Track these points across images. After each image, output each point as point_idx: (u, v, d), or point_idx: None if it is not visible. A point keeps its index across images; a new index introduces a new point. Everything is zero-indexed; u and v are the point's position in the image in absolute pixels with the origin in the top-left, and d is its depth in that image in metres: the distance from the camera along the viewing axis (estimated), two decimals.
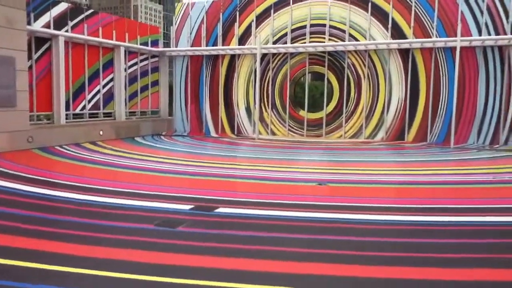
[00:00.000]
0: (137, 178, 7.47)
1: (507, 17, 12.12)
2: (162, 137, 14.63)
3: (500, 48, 12.34)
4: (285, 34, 14.74)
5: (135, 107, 15.32)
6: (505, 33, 12.13)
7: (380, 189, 6.71)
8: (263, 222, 4.81)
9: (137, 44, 15.04)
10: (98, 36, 13.40)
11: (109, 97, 14.05)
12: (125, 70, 14.59)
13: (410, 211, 5.36)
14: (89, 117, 13.38)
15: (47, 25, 11.72)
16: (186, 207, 5.40)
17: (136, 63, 15.22)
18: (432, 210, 5.44)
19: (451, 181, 7.40)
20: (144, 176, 7.59)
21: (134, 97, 15.23)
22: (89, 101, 13.32)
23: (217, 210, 5.26)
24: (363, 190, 6.61)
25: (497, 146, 12.19)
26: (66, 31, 12.29)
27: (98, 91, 13.63)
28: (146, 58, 15.73)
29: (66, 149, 10.75)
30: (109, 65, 14.03)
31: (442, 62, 12.99)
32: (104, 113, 13.90)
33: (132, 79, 15.05)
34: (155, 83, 16.28)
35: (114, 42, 13.91)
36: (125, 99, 14.60)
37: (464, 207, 5.58)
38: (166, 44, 17.63)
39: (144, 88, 15.73)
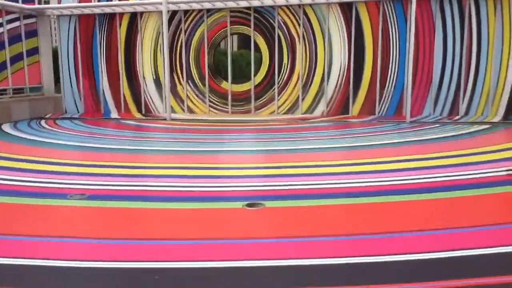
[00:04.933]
0: None
1: None
2: (43, 122, 11.10)
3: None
4: None
5: (4, 83, 11.54)
6: None
7: (326, 211, 4.12)
8: None
9: None
10: None
11: None
12: None
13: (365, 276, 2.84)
14: None
15: None
16: None
17: (0, 25, 11.37)
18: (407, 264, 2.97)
19: (420, 184, 4.94)
20: None
21: (1, 70, 11.45)
22: None
23: None
24: (306, 215, 3.97)
25: (457, 117, 10.24)
26: None
27: None
28: (17, 18, 11.87)
29: None
30: None
31: (392, 18, 10.67)
32: None
33: None
34: (34, 51, 12.49)
35: None
36: None
37: (458, 256, 3.15)
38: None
39: (17, 58, 11.92)
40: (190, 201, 4.43)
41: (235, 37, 23.00)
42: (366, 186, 4.82)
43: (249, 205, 4.21)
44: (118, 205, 4.33)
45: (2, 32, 11.39)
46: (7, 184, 5.11)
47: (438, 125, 9.44)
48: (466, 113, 10.41)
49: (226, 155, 7.11)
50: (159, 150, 7.57)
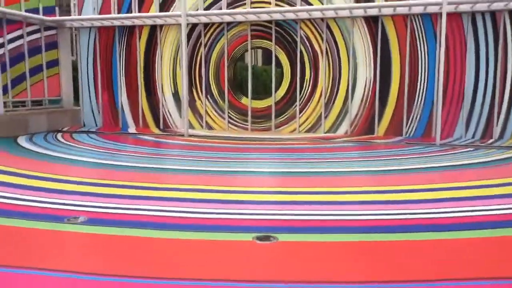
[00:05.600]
0: None
1: None
2: (59, 136, 10.92)
3: (494, 14, 9.62)
4: None
5: (23, 94, 11.46)
6: None
7: (349, 249, 3.59)
8: None
9: (20, 10, 11.14)
10: None
11: None
12: (3, 45, 10.72)
13: None
14: None
15: None
16: None
17: (21, 36, 11.31)
18: None
19: (448, 220, 4.38)
20: None
21: (20, 82, 11.37)
22: None
23: None
24: (325, 253, 3.45)
25: (491, 141, 9.57)
26: None
27: None
28: (38, 30, 11.83)
29: None
30: None
31: (420, 33, 10.14)
32: None
33: (15, 58, 11.14)
34: (54, 63, 12.43)
35: None
36: (6, 85, 10.77)
37: None
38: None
39: (37, 70, 11.87)
40: (195, 230, 3.99)
41: (260, 53, 22.74)
42: (393, 219, 4.30)
43: (259, 238, 3.75)
44: (117, 232, 3.92)
45: (22, 44, 11.35)
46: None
47: (471, 149, 8.80)
48: (501, 136, 9.73)
49: (241, 176, 6.68)
50: (174, 169, 7.19)
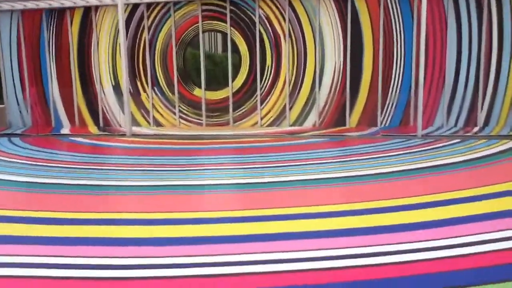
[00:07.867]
0: None
1: None
2: None
3: None
4: None
5: None
6: None
7: None
8: None
9: None
10: None
11: None
12: None
13: None
14: None
15: None
16: None
17: None
18: None
19: (440, 264, 3.21)
20: None
21: None
22: None
23: None
24: None
25: (476, 129, 8.53)
26: None
27: None
28: None
29: None
30: None
31: (395, 11, 8.92)
32: None
33: None
34: None
35: None
36: None
37: None
38: None
39: None
40: None
41: (219, 37, 21.11)
42: (375, 265, 3.01)
43: None
44: None
45: None
46: None
47: (457, 140, 7.68)
48: (486, 123, 8.71)
49: (192, 193, 5.21)
50: (107, 187, 5.62)
